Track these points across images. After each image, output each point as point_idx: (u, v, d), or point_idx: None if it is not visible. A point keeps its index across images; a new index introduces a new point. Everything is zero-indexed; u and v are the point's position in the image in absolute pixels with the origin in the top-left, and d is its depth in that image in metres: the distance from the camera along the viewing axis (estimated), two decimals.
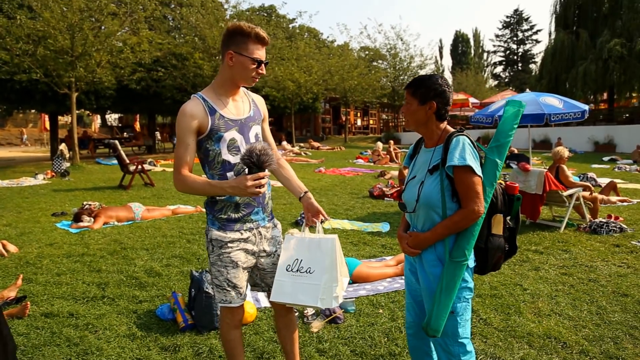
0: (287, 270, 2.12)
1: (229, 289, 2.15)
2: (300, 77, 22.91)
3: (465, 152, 1.88)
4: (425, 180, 1.98)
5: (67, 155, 12.60)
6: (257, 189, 1.96)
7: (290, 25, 43.35)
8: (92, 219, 6.48)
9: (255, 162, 1.94)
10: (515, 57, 54.50)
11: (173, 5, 24.14)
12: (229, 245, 2.13)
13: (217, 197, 2.12)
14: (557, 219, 6.65)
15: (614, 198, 8.08)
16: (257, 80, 2.12)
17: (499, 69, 56.53)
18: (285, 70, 21.90)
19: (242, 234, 2.15)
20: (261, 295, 3.91)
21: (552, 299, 3.75)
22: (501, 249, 2.06)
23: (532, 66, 51.03)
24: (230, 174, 2.10)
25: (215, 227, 2.15)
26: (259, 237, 2.22)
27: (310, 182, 11.10)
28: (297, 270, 2.09)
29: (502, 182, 2.14)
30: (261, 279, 2.31)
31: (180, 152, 2.06)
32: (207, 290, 3.34)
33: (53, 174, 11.85)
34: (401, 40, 32.56)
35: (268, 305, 3.71)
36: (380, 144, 18.32)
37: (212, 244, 2.15)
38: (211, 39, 17.18)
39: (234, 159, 2.10)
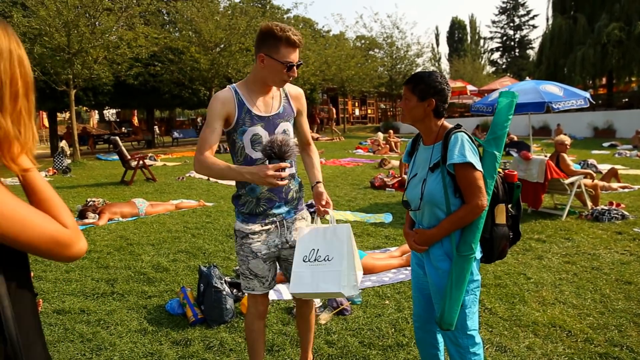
0: (304, 261, 2.10)
1: (251, 277, 2.25)
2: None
3: (464, 148, 1.91)
4: (428, 178, 2.02)
5: (68, 152, 12.61)
6: (276, 181, 1.91)
7: (285, 16, 43.06)
8: (97, 216, 6.51)
9: (277, 152, 1.94)
10: (513, 43, 54.26)
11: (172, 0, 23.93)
12: (250, 236, 2.21)
13: (241, 192, 2.21)
14: (559, 206, 6.70)
15: (615, 185, 8.13)
16: (289, 81, 2.14)
17: (496, 55, 56.32)
18: None
19: (262, 226, 2.22)
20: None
21: (556, 287, 3.81)
22: (506, 237, 2.10)
23: (530, 52, 50.85)
24: None
25: (239, 220, 2.26)
26: (282, 229, 2.26)
27: None
28: (314, 260, 2.07)
29: (501, 171, 2.18)
30: (286, 269, 2.35)
31: (206, 134, 2.08)
32: (215, 284, 3.39)
33: (55, 171, 11.86)
34: (397, 28, 32.43)
35: (276, 298, 3.76)
36: (380, 134, 18.34)
37: (236, 234, 2.27)
38: (207, 33, 17.07)
39: (256, 155, 2.15)
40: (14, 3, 13.51)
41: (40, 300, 3.65)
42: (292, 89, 2.30)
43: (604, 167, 9.80)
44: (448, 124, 2.07)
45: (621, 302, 3.49)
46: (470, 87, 29.89)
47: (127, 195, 8.67)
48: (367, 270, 4.28)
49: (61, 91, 13.90)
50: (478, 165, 1.92)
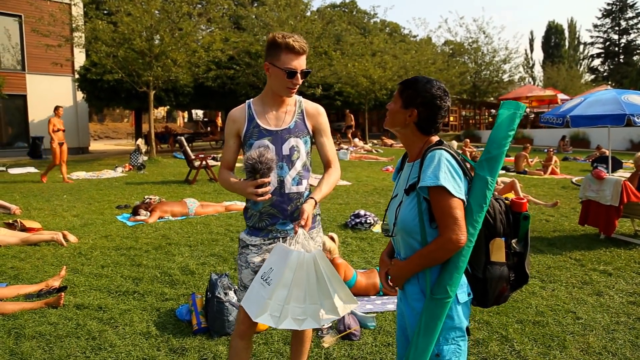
0: (261, 277, 1.96)
1: (241, 288, 2.23)
2: (374, 73, 22.51)
3: (439, 169, 1.58)
4: (403, 201, 1.71)
5: (144, 150, 13.41)
6: (255, 196, 2.02)
7: (372, 21, 42.89)
8: (148, 213, 6.75)
9: (250, 170, 2.03)
10: (617, 49, 49.47)
11: (255, 5, 24.78)
12: (250, 247, 2.21)
13: (247, 205, 2.25)
14: (639, 233, 5.82)
15: None
16: (294, 90, 2.12)
17: (597, 61, 51.69)
18: (359, 66, 21.63)
19: (264, 240, 2.20)
20: None
21: (609, 333, 3.22)
22: (504, 279, 1.72)
23: (637, 58, 46.07)
24: None
25: (245, 231, 2.30)
26: None
27: (373, 181, 10.82)
28: (265, 280, 1.92)
29: (508, 198, 1.80)
30: None
31: (224, 151, 2.29)
32: (218, 295, 3.27)
33: (130, 167, 12.66)
34: (484, 33, 30.94)
35: None
36: (454, 143, 17.52)
37: (239, 243, 2.31)
38: None
39: None
40: (109, 13, 14.66)
41: (62, 294, 3.77)
42: (309, 105, 2.25)
43: None
44: (435, 138, 1.75)
45: None
46: (561, 96, 27.57)
47: (187, 194, 8.95)
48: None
49: (144, 92, 14.86)
50: (455, 191, 1.58)
